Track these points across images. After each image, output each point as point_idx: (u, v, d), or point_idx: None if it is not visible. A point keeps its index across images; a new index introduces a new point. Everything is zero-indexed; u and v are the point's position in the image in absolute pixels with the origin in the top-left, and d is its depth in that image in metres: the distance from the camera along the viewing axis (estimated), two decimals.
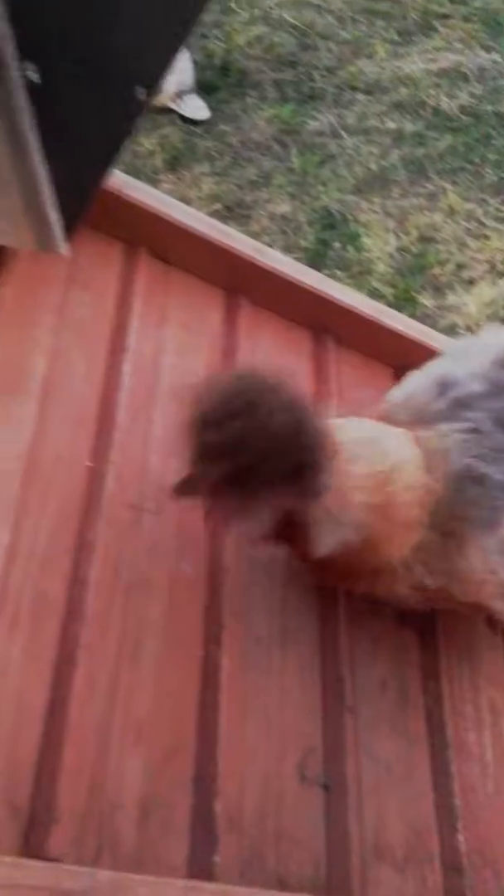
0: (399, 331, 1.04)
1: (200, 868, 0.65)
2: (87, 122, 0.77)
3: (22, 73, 0.64)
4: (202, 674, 0.74)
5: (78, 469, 0.78)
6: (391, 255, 2.71)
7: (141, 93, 0.85)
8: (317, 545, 0.70)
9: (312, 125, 3.11)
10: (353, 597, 0.84)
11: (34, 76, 0.65)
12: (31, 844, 0.60)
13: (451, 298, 2.55)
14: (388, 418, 0.81)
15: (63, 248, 0.76)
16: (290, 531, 0.71)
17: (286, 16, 3.37)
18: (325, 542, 0.70)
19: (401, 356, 1.05)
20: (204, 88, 3.17)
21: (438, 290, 2.58)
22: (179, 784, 0.68)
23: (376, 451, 0.72)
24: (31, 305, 0.84)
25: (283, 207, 2.93)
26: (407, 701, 0.83)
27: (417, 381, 0.83)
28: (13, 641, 0.67)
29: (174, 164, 3.03)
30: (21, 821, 0.60)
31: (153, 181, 2.96)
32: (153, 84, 0.88)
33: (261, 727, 0.74)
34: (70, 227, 0.76)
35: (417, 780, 0.79)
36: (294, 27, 3.37)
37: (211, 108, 3.22)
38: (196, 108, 3.12)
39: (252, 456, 0.64)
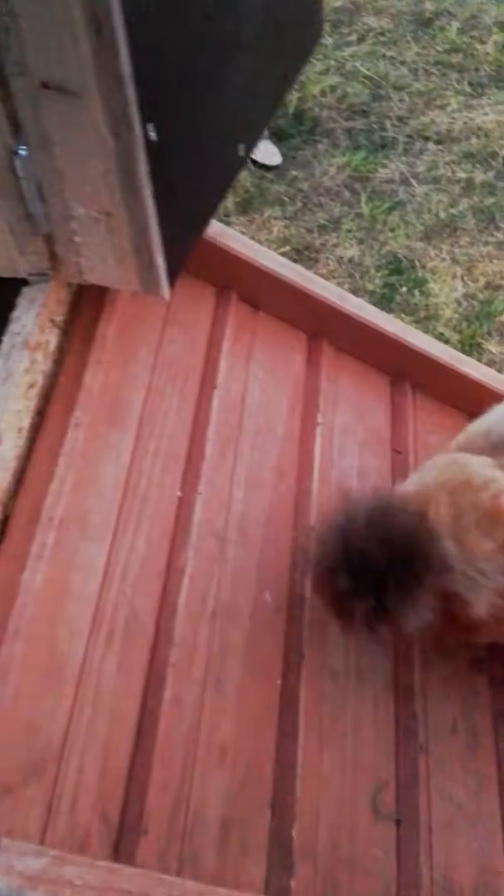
0: (474, 377, 1.07)
1: (276, 891, 0.67)
2: (193, 176, 0.82)
3: (143, 132, 0.70)
4: (281, 702, 0.76)
5: (169, 498, 0.83)
6: (458, 302, 2.73)
7: (241, 150, 0.91)
8: (475, 606, 0.74)
9: (382, 173, 3.18)
10: (425, 640, 0.86)
11: (153, 135, 0.71)
12: (121, 854, 0.63)
13: None
14: (467, 448, 0.83)
15: (166, 291, 0.81)
16: (452, 611, 0.75)
17: (360, 67, 3.47)
18: (479, 598, 0.74)
19: (475, 402, 1.07)
20: (277, 135, 3.27)
21: None
22: (258, 807, 0.70)
23: (473, 491, 0.75)
24: (130, 343, 0.89)
25: (351, 252, 2.98)
26: (477, 742, 0.84)
27: (498, 414, 0.85)
28: (107, 658, 0.70)
29: (246, 207, 3.12)
30: (112, 830, 0.64)
31: (225, 223, 3.05)
32: (252, 142, 0.94)
33: (336, 758, 0.77)
34: (173, 273, 0.81)
35: (487, 821, 0.80)
36: (367, 78, 3.46)
37: (283, 154, 3.31)
38: (269, 153, 3.22)
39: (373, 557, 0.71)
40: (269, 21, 0.89)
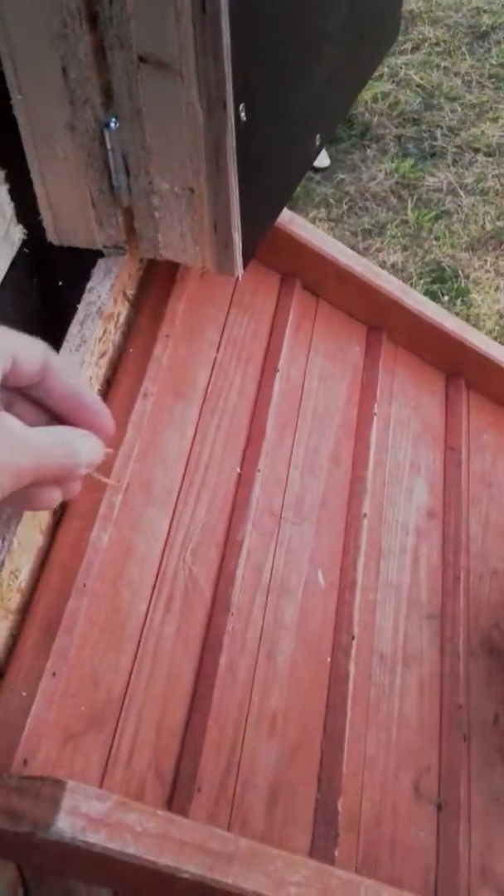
0: None
1: (321, 859, 0.68)
2: (274, 161, 0.84)
3: (235, 112, 0.71)
4: (330, 679, 0.77)
5: (229, 473, 0.84)
6: (500, 314, 2.73)
7: (318, 140, 0.93)
8: None
9: (430, 181, 3.18)
10: (469, 633, 0.87)
11: (243, 115, 0.73)
12: (174, 809, 0.64)
13: None
14: None
15: (239, 271, 0.82)
16: None
17: (413, 75, 3.48)
18: None
19: None
20: None
21: None
22: (306, 777, 0.71)
23: None
24: (197, 321, 0.91)
25: (395, 257, 2.99)
26: None
27: None
28: (167, 621, 0.72)
29: (291, 206, 3.13)
30: (165, 786, 0.65)
31: None
32: (328, 134, 0.96)
33: (381, 739, 0.78)
34: (246, 254, 0.83)
35: None
36: (420, 87, 3.47)
37: (332, 156, 3.32)
38: (319, 155, 3.23)
39: None
40: (354, 15, 0.91)
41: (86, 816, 0.54)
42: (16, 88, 0.74)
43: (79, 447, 0.56)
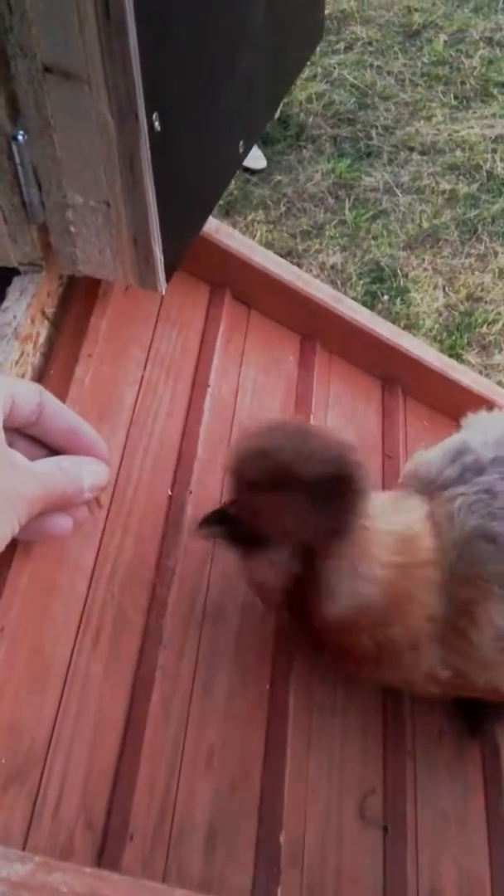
0: (465, 385, 1.07)
1: None
2: (194, 170, 0.81)
3: (148, 122, 0.68)
4: (270, 708, 0.75)
5: (159, 497, 0.81)
6: (439, 312, 2.75)
7: (241, 146, 0.90)
8: (332, 599, 0.67)
9: (367, 181, 3.19)
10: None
11: (157, 125, 0.70)
12: (105, 860, 0.61)
13: (498, 357, 2.58)
14: (401, 489, 0.81)
15: (163, 286, 0.79)
16: (304, 584, 0.68)
17: (347, 75, 3.48)
18: (342, 596, 0.67)
19: (466, 409, 1.07)
20: (262, 139, 3.27)
21: (485, 348, 2.61)
22: (245, 813, 0.69)
23: (399, 510, 0.73)
24: (122, 339, 0.88)
25: (334, 258, 2.99)
26: (464, 750, 0.84)
27: (430, 453, 0.83)
28: (94, 659, 0.69)
29: (229, 209, 3.11)
30: (96, 836, 0.62)
31: None
32: (251, 140, 0.93)
33: (323, 765, 0.75)
34: (170, 268, 0.80)
35: (472, 831, 0.79)
36: (354, 86, 3.47)
37: (268, 158, 3.31)
38: (254, 157, 3.21)
39: (285, 458, 0.63)
40: (274, 16, 0.89)
41: (6, 881, 0.51)
42: None
43: (80, 473, 0.62)
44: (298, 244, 3.01)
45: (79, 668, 0.67)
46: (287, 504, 0.64)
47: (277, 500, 0.64)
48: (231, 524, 0.68)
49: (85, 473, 0.63)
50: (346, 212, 3.15)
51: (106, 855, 0.61)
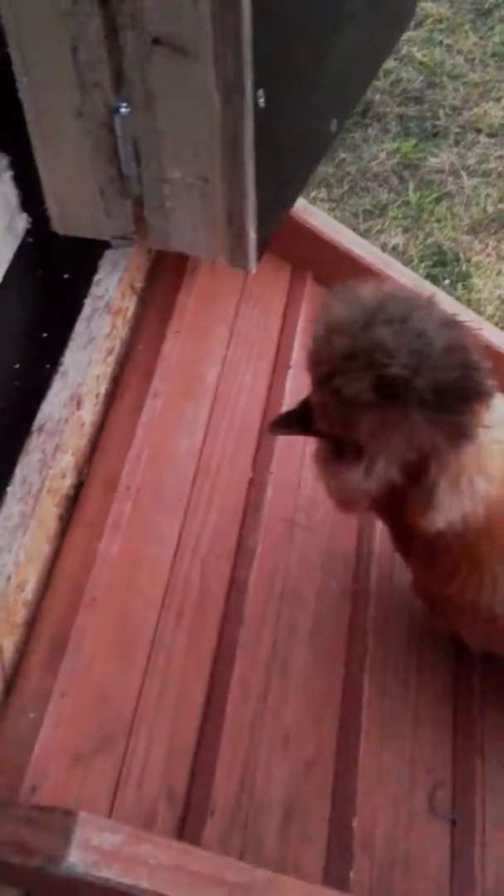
0: None
1: (336, 881, 0.66)
2: (289, 149, 0.80)
3: (254, 98, 0.67)
4: (344, 692, 0.75)
5: (241, 476, 0.81)
6: (501, 299, 2.69)
7: (334, 125, 0.89)
8: (434, 512, 0.60)
9: (432, 162, 3.12)
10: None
11: (262, 101, 0.69)
12: (186, 833, 0.62)
13: None
14: None
15: (253, 265, 0.79)
16: (401, 493, 0.61)
17: (416, 53, 3.40)
18: (445, 510, 0.60)
19: None
20: None
21: None
22: (319, 795, 0.69)
23: None
24: (207, 316, 0.88)
25: (396, 240, 2.94)
26: None
27: None
28: (178, 634, 0.69)
29: None
30: (177, 809, 0.63)
31: None
32: (343, 117, 0.91)
33: (395, 754, 0.75)
34: (261, 246, 0.79)
35: None
36: (423, 64, 3.39)
37: None
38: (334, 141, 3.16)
39: (398, 368, 0.53)
40: None
41: (98, 850, 0.52)
42: (22, 70, 0.70)
43: None
44: (360, 224, 2.96)
45: (163, 642, 0.68)
46: (399, 423, 0.55)
47: (387, 417, 0.55)
48: (315, 427, 0.61)
49: None
50: (410, 193, 3.09)
51: (187, 829, 0.62)
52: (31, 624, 0.64)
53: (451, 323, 0.56)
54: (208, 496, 0.78)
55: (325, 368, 0.58)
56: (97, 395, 0.76)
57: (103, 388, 0.77)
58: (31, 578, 0.65)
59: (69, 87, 0.70)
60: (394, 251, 2.89)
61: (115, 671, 0.65)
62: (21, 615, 0.64)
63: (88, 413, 0.74)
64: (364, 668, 0.76)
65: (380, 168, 3.11)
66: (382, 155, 3.15)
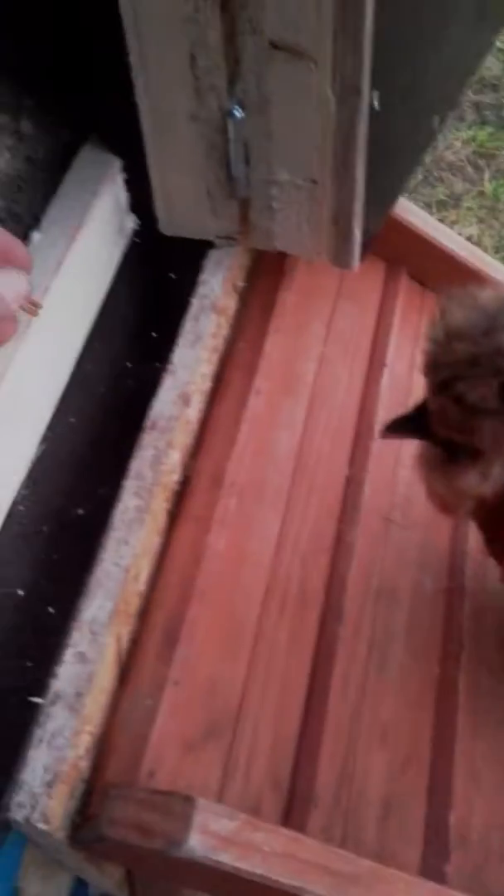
0: None
1: (432, 875, 0.67)
2: (396, 148, 0.80)
3: (369, 100, 0.68)
4: (439, 689, 0.76)
5: (338, 473, 0.82)
6: None
7: (436, 122, 0.88)
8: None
9: None
10: None
11: (376, 104, 0.69)
12: (291, 823, 0.64)
13: None
14: None
15: (356, 264, 0.79)
16: None
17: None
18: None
19: None
20: None
21: None
22: (416, 790, 0.70)
23: None
24: (305, 314, 0.89)
25: (470, 230, 2.89)
26: None
27: None
28: (280, 627, 0.71)
29: None
30: (282, 798, 0.65)
31: None
32: (445, 114, 0.91)
33: (488, 753, 0.76)
34: (365, 245, 0.80)
35: None
36: (501, 51, 3.32)
37: None
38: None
39: None
40: None
41: (216, 835, 0.54)
42: (141, 76, 0.71)
43: None
44: (434, 214, 2.92)
45: (266, 636, 0.70)
46: None
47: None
48: (430, 433, 0.62)
49: (2, 283, 0.56)
50: (486, 183, 3.04)
51: (291, 818, 0.64)
52: (144, 614, 0.67)
53: None
54: (307, 493, 0.79)
55: (446, 374, 0.58)
56: (203, 393, 0.78)
57: (207, 385, 0.79)
58: (144, 570, 0.68)
59: (185, 91, 0.71)
60: (468, 241, 2.85)
61: (222, 662, 0.67)
62: (135, 606, 0.66)
63: (194, 411, 0.77)
64: (459, 666, 0.77)
65: (454, 157, 3.06)
66: (457, 144, 3.10)
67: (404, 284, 0.97)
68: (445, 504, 0.69)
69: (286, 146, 0.73)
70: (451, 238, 0.96)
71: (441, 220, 3.00)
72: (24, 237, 0.80)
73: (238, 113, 0.72)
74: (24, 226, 0.83)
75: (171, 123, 0.74)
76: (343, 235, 0.78)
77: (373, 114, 0.70)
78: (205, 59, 0.69)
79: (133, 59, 0.70)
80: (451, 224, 2.90)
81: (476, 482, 0.61)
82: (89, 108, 0.85)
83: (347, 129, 0.70)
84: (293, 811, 0.64)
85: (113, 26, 0.69)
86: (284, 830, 0.57)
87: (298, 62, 0.67)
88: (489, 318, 0.57)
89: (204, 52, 0.68)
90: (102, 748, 0.61)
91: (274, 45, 0.67)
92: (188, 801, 0.54)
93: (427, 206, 2.94)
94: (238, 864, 0.54)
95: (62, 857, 0.62)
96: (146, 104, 0.73)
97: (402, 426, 0.66)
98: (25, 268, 0.60)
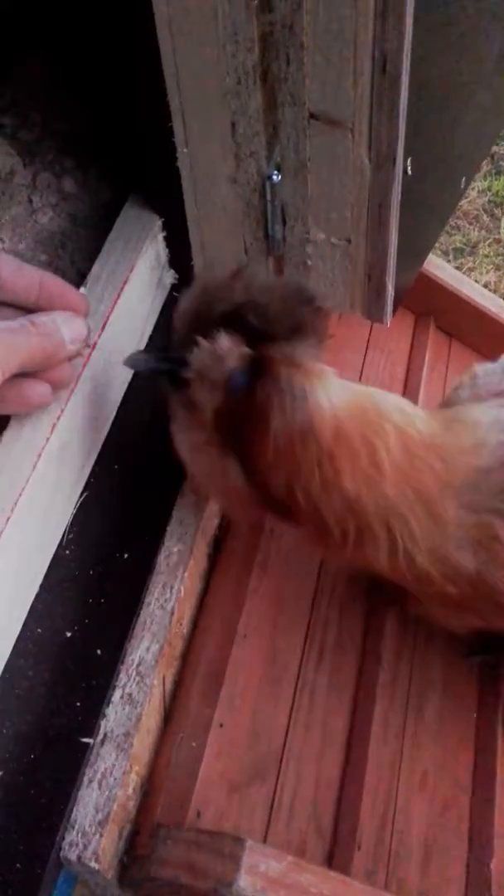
0: None
1: None
2: (426, 209, 0.84)
3: (403, 166, 0.72)
4: (477, 734, 0.76)
5: None
6: None
7: (463, 182, 0.92)
8: (265, 423, 0.57)
9: None
10: None
11: (409, 169, 0.73)
12: (335, 866, 0.64)
13: None
14: (448, 403, 0.73)
15: (389, 319, 0.83)
16: (237, 418, 0.59)
17: None
18: (277, 416, 0.57)
19: None
20: None
21: None
22: (457, 835, 0.71)
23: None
24: (337, 364, 0.91)
25: (487, 277, 2.94)
26: None
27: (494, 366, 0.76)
28: (320, 671, 0.72)
29: None
30: (325, 841, 0.65)
31: None
32: (472, 174, 0.95)
33: None
34: (397, 300, 0.83)
35: None
36: None
37: None
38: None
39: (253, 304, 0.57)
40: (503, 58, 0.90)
41: (265, 876, 0.55)
42: (183, 142, 0.76)
43: (57, 325, 0.57)
44: (451, 262, 2.98)
45: (307, 679, 0.71)
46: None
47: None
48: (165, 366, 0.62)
49: (62, 325, 0.57)
50: (502, 231, 3.10)
51: (336, 861, 0.64)
52: (187, 656, 0.69)
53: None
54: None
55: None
56: None
57: None
58: (187, 613, 0.70)
59: (226, 157, 0.76)
60: (485, 289, 2.89)
61: (265, 705, 0.68)
62: (179, 648, 0.68)
63: None
64: (498, 710, 0.78)
65: (470, 206, 3.13)
66: (473, 193, 3.17)
67: (433, 336, 1.00)
68: (195, 474, 0.67)
69: (322, 208, 0.77)
70: (475, 290, 0.99)
71: (458, 268, 3.05)
72: None
73: (276, 177, 0.76)
74: (69, 281, 0.87)
75: (211, 185, 0.78)
76: (376, 291, 0.81)
77: (405, 177, 0.74)
78: (245, 127, 0.73)
79: (176, 125, 0.75)
80: (469, 271, 2.95)
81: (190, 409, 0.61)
82: (129, 169, 0.90)
83: (382, 193, 0.73)
84: (337, 853, 0.65)
85: (156, 94, 0.74)
86: (332, 873, 0.58)
87: (336, 131, 0.71)
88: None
89: (245, 120, 0.73)
90: (148, 788, 0.62)
91: (313, 116, 0.71)
92: (238, 841, 0.55)
93: (444, 254, 3.00)
94: None
95: None
96: (188, 168, 0.78)
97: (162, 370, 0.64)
98: (82, 312, 0.62)
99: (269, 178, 0.76)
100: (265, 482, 0.59)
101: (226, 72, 0.70)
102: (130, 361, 0.61)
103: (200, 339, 0.58)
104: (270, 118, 0.73)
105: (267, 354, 0.59)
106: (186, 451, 0.65)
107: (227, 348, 0.58)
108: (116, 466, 0.78)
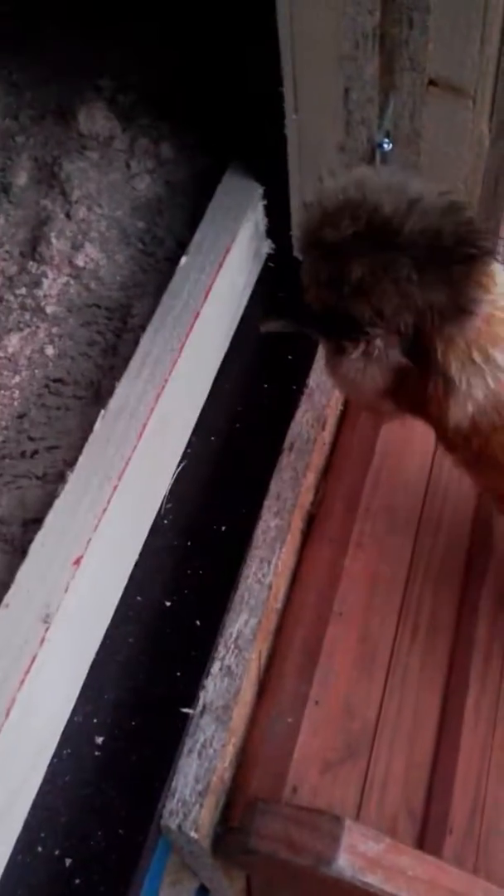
0: None
1: None
2: None
3: None
4: None
5: (466, 499, 0.82)
6: None
7: None
8: (455, 399, 0.53)
9: None
10: None
11: None
12: (425, 849, 0.64)
13: None
14: None
15: None
16: (417, 383, 0.55)
17: None
18: (467, 394, 0.53)
19: None
20: None
21: None
22: None
23: None
24: None
25: None
26: None
27: None
28: (413, 651, 0.72)
29: None
30: (416, 823, 0.65)
31: None
32: None
33: None
34: None
35: None
36: None
37: None
38: None
39: (388, 209, 0.49)
40: None
41: (363, 856, 0.55)
42: (293, 108, 0.74)
43: None
44: None
45: (399, 659, 0.71)
46: (384, 271, 0.49)
47: (376, 265, 0.49)
48: (308, 313, 0.56)
49: None
50: None
51: (426, 844, 0.64)
52: (280, 632, 0.69)
53: (446, 197, 0.51)
54: (437, 520, 0.79)
55: (315, 227, 0.52)
56: (336, 417, 0.79)
57: (340, 409, 0.81)
58: (282, 589, 0.70)
59: (336, 124, 0.73)
60: None
61: (359, 684, 0.68)
62: (273, 622, 0.68)
63: (328, 434, 0.78)
64: None
65: None
66: None
67: None
68: (361, 403, 0.65)
69: (433, 177, 0.74)
70: None
71: None
72: (168, 260, 0.84)
73: (387, 145, 0.74)
74: (166, 249, 0.86)
75: (318, 153, 0.76)
76: None
77: None
78: (359, 94, 0.71)
79: (287, 92, 0.73)
80: None
81: (361, 363, 0.55)
82: (231, 136, 0.89)
83: (499, 164, 0.71)
84: (427, 837, 0.64)
85: (268, 60, 0.72)
86: (429, 857, 0.58)
87: (456, 99, 0.68)
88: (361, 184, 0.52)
89: (359, 86, 0.70)
90: (244, 761, 0.63)
91: (432, 82, 0.69)
92: (337, 820, 0.55)
93: None
94: (384, 887, 0.55)
95: (199, 865, 0.64)
96: (295, 134, 0.76)
97: (277, 315, 0.62)
98: None
99: (380, 145, 0.74)
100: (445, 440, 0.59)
101: (343, 36, 0.67)
102: (268, 325, 0.63)
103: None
104: (386, 84, 0.70)
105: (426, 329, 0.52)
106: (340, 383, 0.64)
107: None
108: (213, 438, 0.77)
